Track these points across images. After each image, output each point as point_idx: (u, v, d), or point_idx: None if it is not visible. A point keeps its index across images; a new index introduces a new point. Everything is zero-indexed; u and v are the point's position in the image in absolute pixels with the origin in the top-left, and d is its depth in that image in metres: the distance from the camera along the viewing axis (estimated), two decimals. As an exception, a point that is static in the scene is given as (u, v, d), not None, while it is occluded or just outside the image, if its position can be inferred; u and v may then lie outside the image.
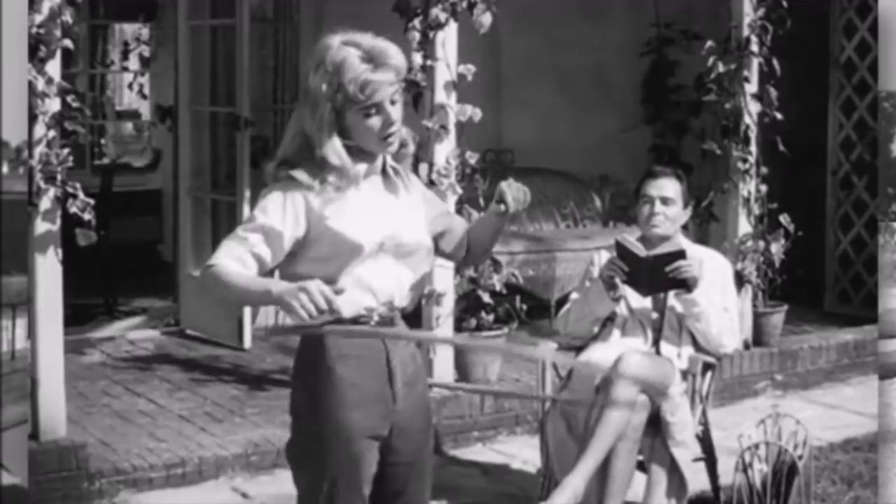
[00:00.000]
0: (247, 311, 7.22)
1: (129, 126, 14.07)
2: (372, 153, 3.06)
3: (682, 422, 4.63)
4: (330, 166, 2.99)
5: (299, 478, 3.12)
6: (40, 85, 5.03)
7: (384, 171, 3.11)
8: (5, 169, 5.33)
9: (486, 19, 5.96)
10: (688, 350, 4.85)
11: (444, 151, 6.01)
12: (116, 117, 13.79)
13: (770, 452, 4.72)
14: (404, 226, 3.09)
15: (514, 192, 3.17)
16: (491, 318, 6.21)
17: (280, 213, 3.00)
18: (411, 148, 3.15)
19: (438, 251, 3.34)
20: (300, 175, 2.99)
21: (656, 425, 4.62)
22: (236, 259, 2.96)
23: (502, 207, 3.18)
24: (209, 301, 3.22)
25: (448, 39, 5.99)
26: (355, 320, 3.04)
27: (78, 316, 7.22)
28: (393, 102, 2.99)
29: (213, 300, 3.10)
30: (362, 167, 3.05)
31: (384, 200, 3.09)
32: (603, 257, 4.92)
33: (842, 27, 8.35)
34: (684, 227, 5.06)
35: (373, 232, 3.02)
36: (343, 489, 3.02)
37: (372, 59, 2.95)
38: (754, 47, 7.02)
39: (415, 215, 3.15)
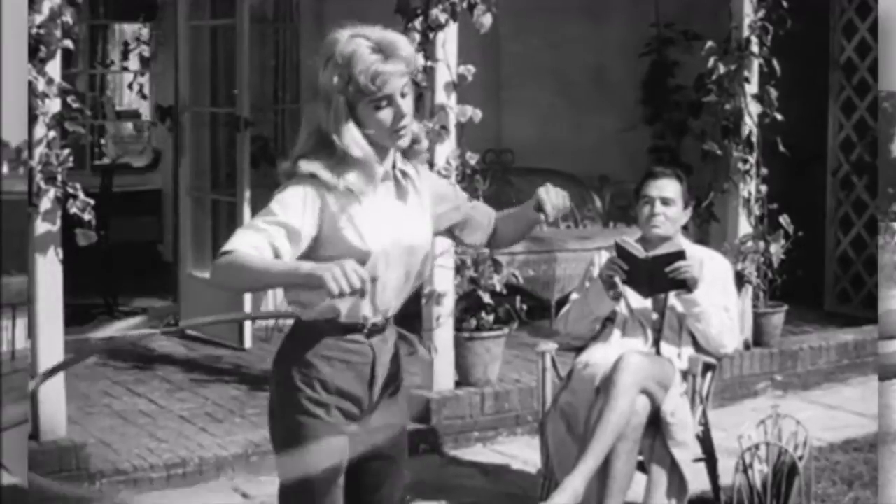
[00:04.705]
0: (247, 311, 7.22)
1: (129, 126, 14.08)
2: (384, 149, 3.04)
3: (682, 422, 4.63)
4: (351, 160, 2.96)
5: (280, 463, 3.14)
6: (40, 85, 5.03)
7: (394, 176, 3.10)
8: (5, 169, 5.32)
9: (487, 20, 5.96)
10: (688, 350, 4.85)
11: (445, 152, 6.01)
12: (116, 117, 13.79)
13: (770, 453, 4.72)
14: (411, 233, 3.09)
15: (553, 198, 3.14)
16: (491, 318, 6.21)
17: (300, 210, 2.96)
18: (425, 144, 3.14)
19: (457, 240, 3.37)
20: (323, 173, 2.96)
21: (656, 426, 4.62)
22: (253, 247, 2.90)
23: (542, 216, 3.16)
24: (216, 293, 3.17)
25: (448, 40, 5.99)
26: (350, 327, 3.05)
27: (78, 316, 7.21)
28: (403, 95, 2.98)
29: (226, 287, 2.99)
30: (379, 168, 3.04)
31: (394, 207, 3.08)
32: (603, 257, 4.92)
33: (842, 27, 8.35)
34: (684, 228, 5.06)
35: (382, 239, 3.02)
36: (320, 479, 3.05)
37: (382, 49, 2.94)
38: (754, 48, 7.02)
39: (421, 221, 3.15)
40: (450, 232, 3.33)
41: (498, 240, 3.38)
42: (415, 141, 3.08)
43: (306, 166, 2.98)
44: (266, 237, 2.93)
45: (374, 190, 3.03)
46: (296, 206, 2.96)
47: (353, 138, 2.96)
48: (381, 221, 3.03)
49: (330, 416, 3.05)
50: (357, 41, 2.94)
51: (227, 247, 2.91)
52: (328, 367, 3.05)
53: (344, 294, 2.74)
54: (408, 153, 3.12)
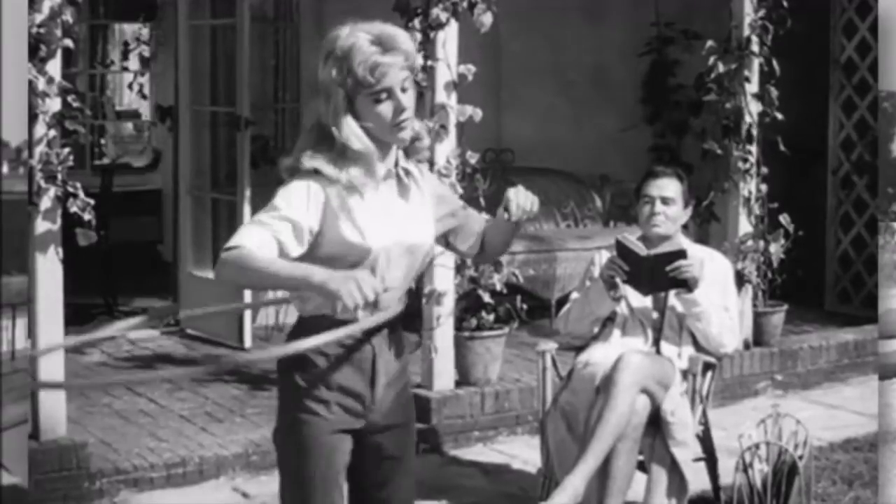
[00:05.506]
0: (247, 310, 7.22)
1: (129, 126, 14.07)
2: (386, 145, 3.03)
3: (682, 422, 4.63)
4: (352, 154, 2.96)
5: (281, 462, 3.14)
6: (41, 84, 5.03)
7: (396, 174, 3.10)
8: (5, 168, 5.33)
9: (487, 19, 5.96)
10: (688, 350, 4.85)
11: (445, 151, 6.01)
12: (116, 117, 13.78)
13: (770, 452, 4.72)
14: (412, 231, 3.09)
15: (520, 199, 3.12)
16: (491, 317, 6.21)
17: (304, 205, 2.96)
18: (426, 141, 3.13)
19: (451, 247, 3.34)
20: (326, 168, 2.96)
21: (656, 425, 4.62)
22: (259, 243, 2.90)
23: (506, 215, 3.15)
24: (216, 293, 3.17)
25: (448, 39, 5.99)
26: (345, 322, 3.02)
27: (78, 316, 7.20)
28: (404, 90, 2.97)
29: (231, 283, 3.02)
30: (381, 166, 3.03)
31: (396, 204, 3.08)
32: (603, 257, 4.92)
33: (842, 27, 8.35)
34: (685, 227, 5.06)
35: (383, 237, 3.01)
36: (319, 477, 3.04)
37: (381, 42, 2.94)
38: (755, 47, 7.02)
39: (423, 220, 3.14)
40: (444, 238, 3.31)
41: (485, 252, 3.36)
42: (416, 138, 3.07)
43: (309, 162, 2.98)
44: (271, 233, 2.93)
45: (375, 187, 3.02)
46: (300, 202, 2.96)
47: (351, 131, 2.96)
48: (383, 219, 3.02)
49: (331, 412, 3.04)
50: (357, 34, 2.95)
51: (234, 242, 2.90)
52: (327, 362, 3.04)
53: (358, 307, 2.76)
54: (409, 150, 3.11)
